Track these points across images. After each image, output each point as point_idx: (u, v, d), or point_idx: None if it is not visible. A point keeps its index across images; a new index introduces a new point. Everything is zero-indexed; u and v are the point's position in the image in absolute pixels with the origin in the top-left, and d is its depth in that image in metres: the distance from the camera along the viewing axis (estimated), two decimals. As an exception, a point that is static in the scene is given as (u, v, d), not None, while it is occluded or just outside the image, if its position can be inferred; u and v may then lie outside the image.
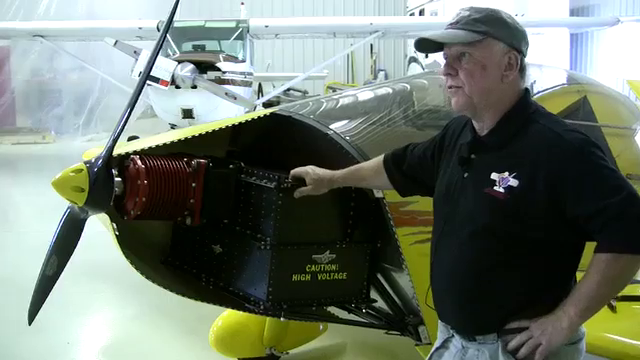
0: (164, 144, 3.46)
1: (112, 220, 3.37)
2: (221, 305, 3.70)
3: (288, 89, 20.50)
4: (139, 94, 3.28)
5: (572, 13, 19.66)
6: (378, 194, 3.48)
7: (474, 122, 2.63)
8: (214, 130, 3.63)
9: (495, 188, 2.46)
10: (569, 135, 2.45)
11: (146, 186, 3.24)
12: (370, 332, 4.91)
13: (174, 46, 13.56)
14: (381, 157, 3.17)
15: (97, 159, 3.11)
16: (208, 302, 3.67)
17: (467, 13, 2.52)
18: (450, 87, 2.55)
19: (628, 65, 17.62)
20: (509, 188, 2.43)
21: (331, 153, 3.56)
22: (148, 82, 11.75)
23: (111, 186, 3.18)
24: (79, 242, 3.30)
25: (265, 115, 3.81)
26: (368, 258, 3.68)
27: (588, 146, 2.42)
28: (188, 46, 14.06)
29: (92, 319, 6.41)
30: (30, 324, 3.53)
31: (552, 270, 2.52)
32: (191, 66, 11.68)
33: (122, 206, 3.28)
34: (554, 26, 17.66)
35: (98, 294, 6.97)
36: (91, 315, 6.49)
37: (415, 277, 3.56)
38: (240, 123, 3.73)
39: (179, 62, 11.77)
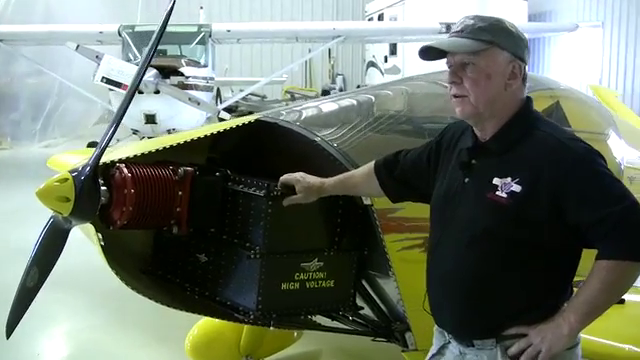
0: (149, 152, 3.40)
1: (97, 230, 3.30)
2: (209, 315, 3.65)
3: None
4: (130, 101, 3.21)
5: (531, 19, 19.93)
6: (366, 201, 3.46)
7: (475, 129, 2.63)
8: (199, 137, 3.58)
9: (497, 193, 2.47)
10: (573, 143, 2.48)
11: (133, 195, 3.18)
12: (346, 339, 4.91)
13: (135, 50, 13.42)
14: (371, 164, 3.15)
15: (84, 167, 3.04)
16: (195, 312, 3.62)
17: (472, 22, 2.52)
18: (455, 95, 2.55)
19: (585, 70, 17.92)
20: (511, 193, 2.44)
21: (318, 160, 3.52)
22: (110, 87, 11.61)
23: (98, 196, 3.11)
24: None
25: (250, 122, 3.77)
26: (355, 265, 3.66)
27: (591, 155, 2.46)
28: (149, 50, 13.87)
29: (61, 329, 6.28)
30: (8, 337, 3.45)
31: (551, 276, 2.54)
32: (154, 71, 11.55)
33: (107, 215, 3.21)
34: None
35: (66, 303, 6.82)
36: (60, 325, 6.36)
37: (402, 284, 3.55)
38: (225, 130, 3.68)
39: (142, 67, 11.61)
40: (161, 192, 3.29)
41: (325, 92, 27.15)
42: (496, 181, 2.48)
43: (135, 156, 3.33)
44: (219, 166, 3.59)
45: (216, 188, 3.46)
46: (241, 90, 21.21)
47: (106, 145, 3.08)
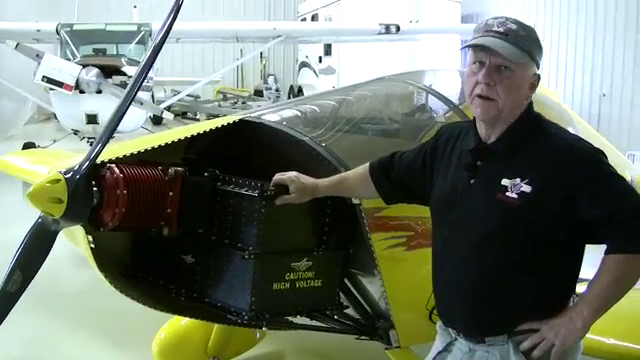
0: (138, 152, 3.34)
1: (87, 232, 3.23)
2: (198, 318, 3.61)
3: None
4: (131, 101, 3.14)
5: (463, 20, 20.23)
6: (355, 200, 3.48)
7: (482, 129, 2.68)
8: (186, 137, 3.55)
9: (507, 194, 2.53)
10: (580, 144, 2.58)
11: (125, 196, 3.12)
12: (309, 338, 4.93)
13: (74, 49, 13.14)
14: (366, 166, 3.18)
15: (79, 167, 2.97)
16: (182, 315, 3.58)
17: (514, 27, 2.55)
18: (481, 96, 2.58)
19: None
20: (522, 194, 2.51)
21: (306, 160, 3.53)
22: (50, 87, 11.36)
23: (91, 197, 3.05)
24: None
25: (233, 122, 3.74)
26: (341, 264, 3.67)
27: (598, 154, 2.56)
28: (87, 49, 13.60)
29: (19, 333, 6.08)
30: (-12, 343, 3.36)
31: (559, 273, 2.62)
32: (96, 70, 11.32)
33: (98, 217, 3.14)
34: (448, 33, 18.10)
35: (22, 306, 6.63)
36: (17, 329, 6.17)
37: (387, 282, 3.60)
38: (211, 130, 3.65)
39: (84, 66, 11.40)
40: (152, 193, 3.24)
41: (258, 92, 27.13)
42: (505, 182, 2.54)
43: (125, 156, 3.27)
44: (196, 166, 3.54)
45: (206, 188, 3.43)
46: (173, 90, 21.02)
47: (103, 146, 3.01)
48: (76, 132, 12.58)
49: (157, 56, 3.15)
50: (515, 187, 2.52)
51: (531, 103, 2.68)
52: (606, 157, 2.56)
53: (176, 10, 3.06)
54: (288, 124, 3.80)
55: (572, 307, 2.56)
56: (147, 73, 3.18)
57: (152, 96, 19.68)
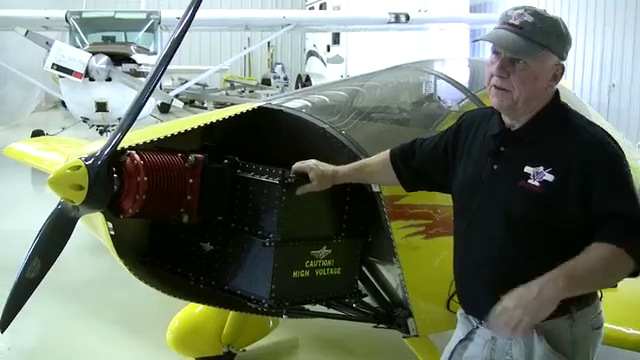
0: (158, 139, 3.33)
1: (107, 219, 3.22)
2: (218, 305, 3.60)
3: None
4: (152, 91, 3.14)
5: (472, 9, 20.17)
6: (375, 188, 3.46)
7: (505, 118, 2.67)
8: (206, 124, 3.54)
9: (529, 181, 2.53)
10: (605, 140, 2.57)
11: (146, 183, 3.10)
12: (324, 326, 4.92)
13: (83, 36, 13.12)
14: (386, 153, 3.17)
15: (100, 154, 2.96)
16: (201, 302, 3.58)
17: (531, 19, 2.53)
18: (496, 87, 2.58)
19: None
20: (545, 182, 2.51)
21: (325, 147, 3.51)
22: (60, 74, 11.34)
23: (112, 184, 3.04)
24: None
25: (253, 109, 3.73)
26: (359, 253, 3.66)
27: (620, 154, 2.57)
28: (96, 37, 13.60)
29: (34, 321, 6.08)
30: (3, 331, 3.35)
31: None
32: (106, 58, 11.28)
33: (118, 204, 3.13)
34: (457, 22, 18.06)
35: (39, 294, 6.64)
36: (32, 317, 6.17)
37: (406, 270, 3.59)
38: (230, 117, 3.63)
39: (93, 53, 11.37)
40: (173, 180, 3.23)
41: (265, 81, 27.10)
42: (528, 169, 2.54)
43: (145, 143, 3.26)
44: (215, 153, 3.53)
45: (226, 175, 3.41)
46: (180, 79, 21.02)
47: (124, 133, 3.00)
48: (85, 120, 12.57)
49: (178, 47, 3.10)
50: (538, 175, 2.52)
51: (557, 92, 2.66)
52: (626, 160, 2.57)
53: (197, 1, 3.02)
54: (307, 112, 3.78)
55: (543, 278, 2.42)
56: (168, 64, 3.14)
57: (160, 84, 19.69)
